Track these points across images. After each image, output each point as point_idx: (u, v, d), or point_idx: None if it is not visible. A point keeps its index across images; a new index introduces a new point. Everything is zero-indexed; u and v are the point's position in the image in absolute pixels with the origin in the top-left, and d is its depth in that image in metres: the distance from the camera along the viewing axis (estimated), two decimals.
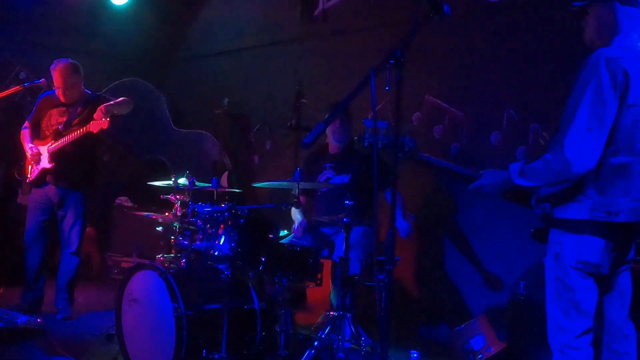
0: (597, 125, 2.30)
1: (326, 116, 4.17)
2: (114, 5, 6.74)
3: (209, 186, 3.86)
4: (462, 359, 3.79)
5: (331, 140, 4.37)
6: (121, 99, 4.61)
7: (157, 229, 3.98)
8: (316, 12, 5.83)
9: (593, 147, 2.30)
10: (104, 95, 4.84)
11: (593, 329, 2.44)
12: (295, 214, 4.22)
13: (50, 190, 4.70)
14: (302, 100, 5.79)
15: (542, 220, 2.55)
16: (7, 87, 6.06)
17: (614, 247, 2.40)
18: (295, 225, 4.17)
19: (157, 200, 3.98)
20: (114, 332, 3.74)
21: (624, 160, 2.37)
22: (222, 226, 3.35)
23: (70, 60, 4.70)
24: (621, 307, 2.52)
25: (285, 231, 4.31)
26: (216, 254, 3.31)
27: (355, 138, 2.82)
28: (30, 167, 4.76)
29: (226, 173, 6.31)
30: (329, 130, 4.27)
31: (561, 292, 2.45)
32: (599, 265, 2.39)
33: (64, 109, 4.71)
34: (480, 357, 3.70)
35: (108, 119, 4.36)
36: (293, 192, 4.23)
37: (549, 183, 2.45)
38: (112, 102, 4.52)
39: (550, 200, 2.48)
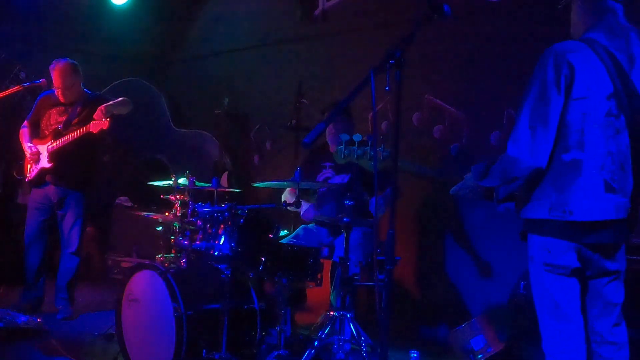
0: (540, 122, 2.26)
1: (326, 116, 4.19)
2: (114, 5, 6.74)
3: (209, 186, 3.86)
4: (462, 359, 3.78)
5: (329, 142, 4.37)
6: (120, 99, 4.61)
7: (157, 229, 3.99)
8: (316, 12, 5.83)
9: (537, 144, 2.26)
10: (103, 95, 4.85)
11: (581, 330, 2.37)
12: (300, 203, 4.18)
13: (50, 190, 4.70)
14: (302, 100, 5.80)
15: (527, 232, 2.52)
16: (7, 87, 6.07)
17: (580, 248, 2.32)
18: (304, 208, 4.14)
19: (157, 200, 3.98)
20: (114, 332, 3.74)
21: (575, 157, 2.28)
22: (222, 226, 3.35)
23: (69, 60, 4.70)
24: (606, 317, 2.44)
25: (286, 231, 4.31)
26: (216, 254, 3.31)
27: (335, 150, 2.86)
28: (29, 166, 4.76)
29: (226, 173, 6.31)
30: (327, 132, 4.26)
31: (540, 294, 2.42)
32: (567, 267, 2.33)
33: (63, 108, 4.72)
34: (480, 357, 3.70)
35: (108, 120, 4.37)
36: (284, 200, 4.22)
37: (502, 182, 2.43)
38: (111, 102, 4.52)
39: (516, 200, 2.46)
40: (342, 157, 2.79)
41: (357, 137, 2.70)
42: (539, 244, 2.38)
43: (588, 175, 2.28)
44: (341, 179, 4.23)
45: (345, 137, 2.79)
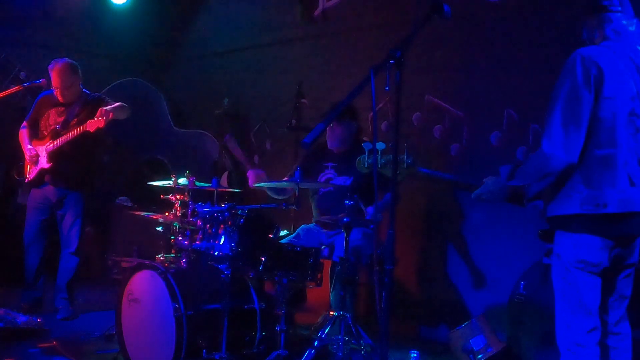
0: (572, 120, 2.37)
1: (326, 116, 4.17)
2: (114, 5, 6.74)
3: (209, 186, 3.86)
4: (462, 359, 3.78)
5: (329, 143, 4.34)
6: (119, 104, 4.60)
7: (157, 229, 3.99)
8: (316, 12, 5.83)
9: (570, 141, 2.36)
10: (102, 95, 4.84)
11: (599, 328, 2.48)
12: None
13: (49, 190, 4.70)
14: (302, 100, 5.79)
15: (546, 221, 2.58)
16: (7, 87, 6.07)
17: (614, 245, 2.43)
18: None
19: (157, 200, 3.98)
20: (114, 332, 3.74)
21: (608, 152, 2.41)
22: (222, 226, 3.35)
23: (68, 60, 4.70)
24: (618, 309, 2.58)
25: (286, 231, 4.31)
26: (216, 254, 3.31)
27: (357, 160, 2.87)
28: (28, 167, 4.76)
29: (226, 173, 6.31)
30: (328, 132, 4.25)
31: (566, 291, 2.49)
32: (599, 264, 2.43)
33: (62, 108, 4.71)
34: (480, 357, 3.70)
35: (104, 119, 4.35)
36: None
37: (534, 180, 2.51)
38: (112, 106, 4.51)
39: (543, 198, 2.53)
40: (366, 165, 2.81)
41: (380, 146, 2.70)
42: (571, 242, 2.46)
43: (618, 170, 2.41)
44: (343, 180, 4.22)
45: (368, 145, 2.81)
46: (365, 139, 4.51)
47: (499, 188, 2.66)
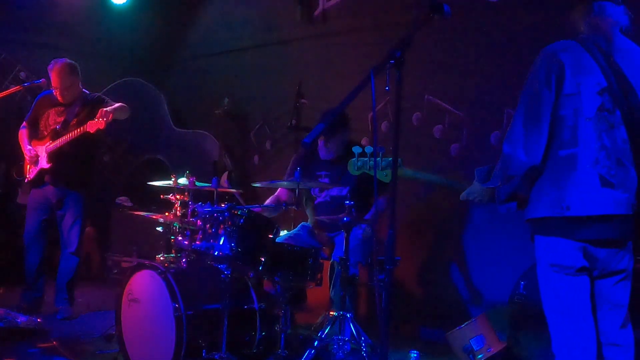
0: (532, 120, 2.32)
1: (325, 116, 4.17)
2: (114, 5, 6.74)
3: (209, 186, 3.86)
4: (462, 359, 3.78)
5: (320, 153, 4.31)
6: (120, 104, 4.60)
7: (157, 229, 3.98)
8: (316, 12, 5.83)
9: (530, 142, 2.31)
10: (102, 95, 4.84)
11: (591, 330, 2.38)
12: None
13: (49, 190, 4.70)
14: (302, 100, 5.79)
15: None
16: (7, 87, 6.07)
17: (587, 248, 2.34)
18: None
19: (157, 200, 3.98)
20: (114, 332, 3.74)
21: (571, 152, 2.32)
22: (222, 226, 3.35)
23: (67, 60, 4.70)
24: (613, 318, 2.44)
25: (286, 231, 4.31)
26: (216, 254, 3.31)
27: (349, 162, 2.89)
28: (28, 167, 4.76)
29: (226, 173, 6.31)
30: (320, 143, 4.23)
31: (548, 295, 2.43)
32: (572, 267, 2.34)
33: (62, 108, 4.71)
34: (480, 357, 3.70)
35: (105, 120, 4.35)
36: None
37: (501, 182, 2.45)
38: (112, 107, 4.51)
39: (518, 201, 2.48)
40: (356, 169, 2.81)
41: (369, 149, 2.73)
42: (544, 244, 2.40)
43: (582, 170, 2.30)
44: (339, 190, 4.21)
45: (357, 149, 2.82)
46: (362, 143, 4.52)
47: (479, 190, 2.60)
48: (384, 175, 2.81)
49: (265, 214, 4.05)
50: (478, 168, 2.55)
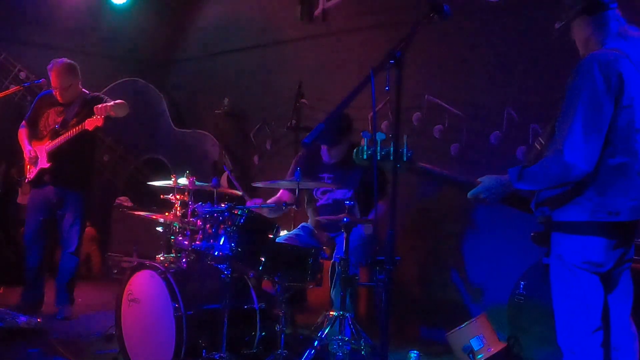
0: (593, 129, 2.34)
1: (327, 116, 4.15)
2: (114, 5, 6.74)
3: (209, 185, 3.85)
4: (462, 359, 3.78)
5: (323, 157, 4.29)
6: (119, 101, 4.59)
7: (157, 229, 3.98)
8: (316, 12, 5.83)
9: (591, 150, 2.35)
10: (101, 95, 4.84)
11: (602, 328, 2.46)
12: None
13: (49, 190, 4.70)
14: (302, 100, 5.79)
15: (540, 223, 2.56)
16: (7, 87, 6.08)
17: (616, 245, 2.43)
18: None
19: (157, 200, 3.98)
20: (114, 332, 3.74)
21: (622, 161, 2.40)
22: (222, 226, 3.35)
23: (67, 60, 4.70)
24: (624, 305, 2.56)
25: (286, 231, 4.31)
26: (216, 254, 3.30)
27: (355, 150, 2.77)
28: (29, 167, 4.76)
29: (226, 173, 6.31)
30: (324, 150, 4.21)
31: (569, 292, 2.47)
32: (602, 264, 2.43)
33: (62, 108, 4.71)
34: (480, 357, 3.70)
35: (102, 117, 4.35)
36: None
37: (548, 187, 2.48)
38: (111, 104, 4.50)
39: (549, 204, 2.51)
40: (365, 156, 2.67)
41: (380, 136, 2.61)
42: (577, 243, 2.45)
43: (632, 178, 2.42)
44: (343, 194, 4.19)
45: (366, 135, 2.71)
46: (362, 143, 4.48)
47: (498, 188, 2.59)
48: (397, 166, 2.65)
49: (267, 215, 4.05)
50: (511, 168, 2.54)
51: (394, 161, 2.38)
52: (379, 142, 2.61)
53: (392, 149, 2.46)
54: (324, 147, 4.16)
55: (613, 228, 2.40)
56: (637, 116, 2.41)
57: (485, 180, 2.64)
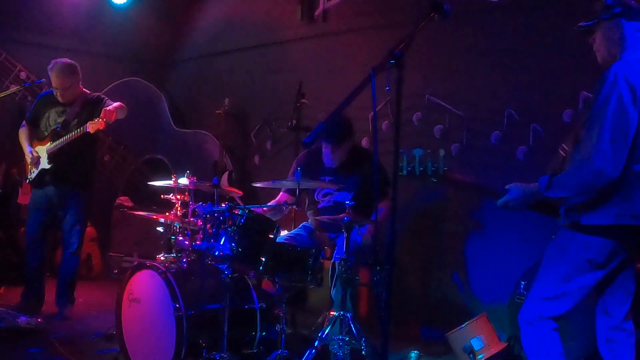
0: (620, 136, 2.43)
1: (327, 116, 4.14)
2: (114, 5, 6.75)
3: (209, 184, 3.85)
4: (462, 359, 3.79)
5: (325, 159, 4.28)
6: (118, 103, 4.59)
7: (158, 229, 3.98)
8: (316, 12, 5.84)
9: (618, 157, 2.43)
10: (102, 95, 4.84)
11: (560, 320, 2.58)
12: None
13: (50, 190, 4.70)
14: (302, 100, 5.80)
15: (567, 228, 2.63)
16: (8, 87, 6.08)
17: (625, 248, 2.53)
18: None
19: (158, 200, 3.98)
20: (114, 332, 3.74)
21: None
22: (222, 226, 3.35)
23: (67, 60, 4.69)
24: (622, 303, 2.66)
25: (286, 231, 4.31)
26: (216, 253, 3.31)
27: (405, 165, 2.84)
28: (30, 167, 4.76)
29: (226, 173, 6.32)
30: (325, 150, 4.20)
31: (559, 264, 2.59)
32: (604, 265, 2.52)
33: (62, 109, 4.71)
34: (480, 357, 3.70)
35: (105, 121, 4.35)
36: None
37: (578, 193, 2.55)
38: (114, 105, 4.50)
39: (579, 209, 2.58)
40: (418, 173, 2.79)
41: (417, 152, 2.73)
42: (584, 242, 2.54)
43: None
44: (344, 197, 4.18)
45: (419, 152, 2.80)
46: (363, 143, 4.43)
47: (527, 196, 2.68)
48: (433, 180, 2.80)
49: (268, 216, 4.05)
50: (541, 177, 2.61)
51: (431, 176, 2.58)
52: (417, 157, 2.72)
53: (429, 164, 2.68)
54: (325, 151, 4.17)
55: (631, 233, 2.49)
56: None
57: (513, 188, 2.72)
